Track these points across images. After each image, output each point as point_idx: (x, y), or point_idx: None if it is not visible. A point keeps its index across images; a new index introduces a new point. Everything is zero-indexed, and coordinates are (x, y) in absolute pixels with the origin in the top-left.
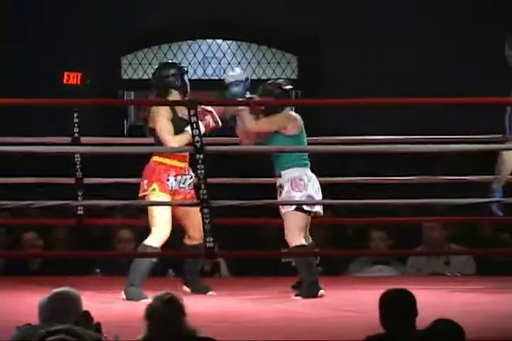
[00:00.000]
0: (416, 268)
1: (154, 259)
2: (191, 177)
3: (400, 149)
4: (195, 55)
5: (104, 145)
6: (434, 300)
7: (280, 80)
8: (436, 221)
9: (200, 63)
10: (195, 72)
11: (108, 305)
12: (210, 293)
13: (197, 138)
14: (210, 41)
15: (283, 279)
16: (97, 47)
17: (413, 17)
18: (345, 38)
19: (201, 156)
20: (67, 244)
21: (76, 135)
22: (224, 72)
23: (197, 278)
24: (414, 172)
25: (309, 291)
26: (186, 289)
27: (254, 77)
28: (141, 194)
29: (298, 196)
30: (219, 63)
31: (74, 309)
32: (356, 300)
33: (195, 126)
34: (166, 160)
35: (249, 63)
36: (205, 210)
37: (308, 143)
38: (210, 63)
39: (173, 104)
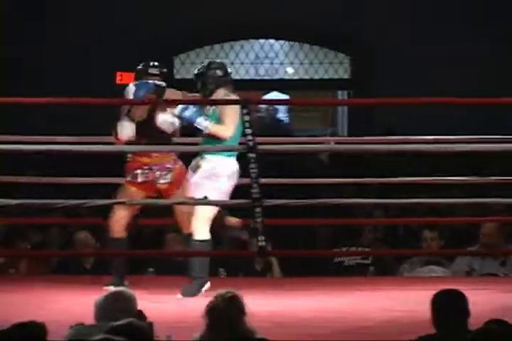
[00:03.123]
0: (468, 269)
1: None
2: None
3: (453, 149)
4: (247, 54)
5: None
6: (486, 301)
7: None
8: (489, 221)
9: (252, 63)
10: (247, 72)
11: (160, 304)
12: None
13: (249, 137)
14: (262, 41)
15: (335, 279)
16: (150, 46)
17: (465, 17)
18: (397, 37)
19: (253, 155)
20: None
21: None
22: (276, 72)
23: None
24: (468, 173)
25: (193, 290)
26: None
27: (307, 76)
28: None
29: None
30: (271, 63)
31: (129, 309)
32: (408, 301)
33: (247, 124)
34: None
35: (301, 63)
36: (257, 209)
37: (361, 143)
38: (262, 63)
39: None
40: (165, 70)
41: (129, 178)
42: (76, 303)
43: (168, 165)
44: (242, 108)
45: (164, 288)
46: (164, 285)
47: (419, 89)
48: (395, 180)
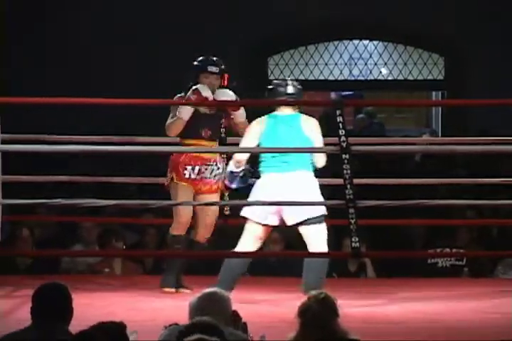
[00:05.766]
0: None
1: None
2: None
3: None
4: (341, 55)
5: None
6: None
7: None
8: None
9: (346, 64)
10: (341, 72)
11: (254, 305)
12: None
13: (343, 138)
14: (356, 42)
15: (429, 280)
16: (244, 48)
17: None
18: (493, 37)
19: (347, 156)
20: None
21: (223, 135)
22: (370, 72)
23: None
24: None
25: None
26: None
27: (401, 77)
28: None
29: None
30: (365, 64)
31: (224, 309)
32: (502, 303)
33: (341, 126)
34: None
35: (395, 64)
36: (351, 210)
37: (455, 144)
38: (356, 64)
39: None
40: (223, 67)
41: (184, 174)
42: (170, 304)
43: (220, 160)
44: (337, 109)
45: (257, 289)
46: (257, 285)
47: None
48: (488, 180)
